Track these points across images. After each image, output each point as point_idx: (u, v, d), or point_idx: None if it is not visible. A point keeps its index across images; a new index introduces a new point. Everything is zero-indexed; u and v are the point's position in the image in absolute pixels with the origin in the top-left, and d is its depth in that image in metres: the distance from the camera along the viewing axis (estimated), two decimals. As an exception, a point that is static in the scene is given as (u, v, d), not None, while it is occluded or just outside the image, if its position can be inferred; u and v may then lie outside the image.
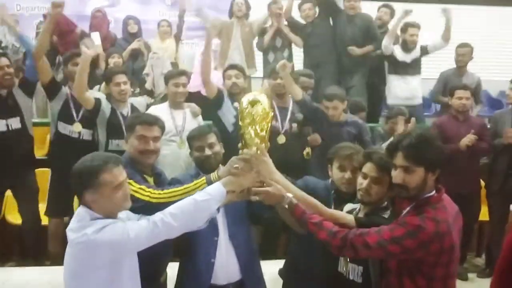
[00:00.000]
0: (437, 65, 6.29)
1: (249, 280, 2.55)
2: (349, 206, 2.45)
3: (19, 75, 4.37)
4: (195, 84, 5.07)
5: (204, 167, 2.60)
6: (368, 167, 2.25)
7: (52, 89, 4.07)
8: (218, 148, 2.67)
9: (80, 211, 2.01)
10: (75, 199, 3.97)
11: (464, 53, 5.44)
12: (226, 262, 2.50)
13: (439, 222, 2.00)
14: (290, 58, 5.72)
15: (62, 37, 5.51)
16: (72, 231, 1.95)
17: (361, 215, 2.32)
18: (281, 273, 2.87)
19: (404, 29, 5.55)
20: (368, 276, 2.25)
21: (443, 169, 2.12)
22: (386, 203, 2.31)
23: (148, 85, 5.21)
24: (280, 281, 2.90)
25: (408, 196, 2.10)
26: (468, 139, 4.21)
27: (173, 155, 3.90)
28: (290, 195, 2.19)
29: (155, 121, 2.61)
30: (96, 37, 5.27)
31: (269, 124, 2.27)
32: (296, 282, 2.67)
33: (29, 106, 4.21)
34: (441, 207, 2.07)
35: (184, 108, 4.10)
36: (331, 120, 4.04)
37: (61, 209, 4.10)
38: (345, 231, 2.07)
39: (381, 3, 6.18)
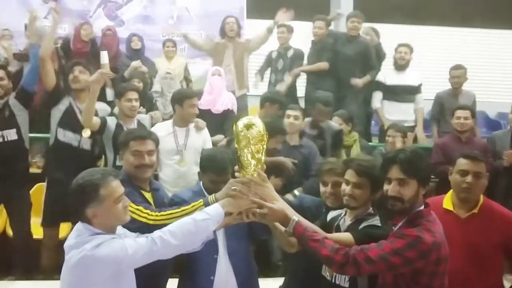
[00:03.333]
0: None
1: None
2: (332, 214, 2.53)
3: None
4: (206, 102, 5.14)
5: (210, 192, 2.53)
6: (348, 174, 2.37)
7: (55, 95, 4.07)
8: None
9: (78, 227, 2.03)
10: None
11: (459, 75, 5.51)
12: (225, 279, 2.52)
13: (435, 232, 2.10)
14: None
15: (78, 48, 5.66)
16: (70, 247, 1.98)
17: (347, 221, 2.39)
18: None
19: (395, 49, 5.66)
20: (355, 281, 2.30)
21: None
22: (371, 209, 2.39)
23: (160, 105, 5.28)
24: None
25: (402, 209, 2.17)
26: None
27: (174, 174, 3.96)
28: (296, 218, 2.19)
29: (148, 135, 2.63)
30: (104, 56, 5.37)
31: (265, 146, 2.32)
32: None
33: (26, 118, 4.16)
34: (433, 220, 2.18)
35: (188, 125, 4.15)
36: (288, 143, 4.20)
37: (57, 217, 4.09)
38: (346, 249, 2.11)
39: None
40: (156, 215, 2.32)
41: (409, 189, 2.14)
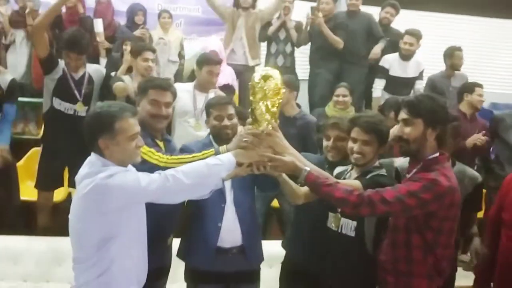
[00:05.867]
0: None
1: (249, 245, 2.65)
2: (338, 169, 2.59)
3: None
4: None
5: (220, 136, 2.65)
6: (356, 132, 2.41)
7: (48, 64, 4.01)
8: (236, 120, 2.70)
9: (91, 159, 2.03)
10: (66, 172, 4.12)
11: (462, 57, 5.54)
12: (232, 227, 2.60)
13: (450, 177, 2.15)
14: (292, 52, 5.73)
15: (71, 15, 5.56)
16: (82, 177, 1.97)
17: (353, 175, 2.46)
18: (284, 244, 2.92)
19: (402, 37, 5.49)
20: (361, 231, 2.36)
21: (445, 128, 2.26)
22: (377, 162, 2.46)
23: (154, 74, 5.19)
24: (275, 259, 2.95)
25: (408, 151, 2.24)
26: (478, 139, 4.27)
27: (188, 137, 3.88)
28: (308, 168, 2.22)
29: (168, 87, 2.61)
30: (98, 24, 5.34)
31: (280, 100, 2.30)
32: (299, 251, 2.73)
33: None
34: (449, 167, 2.23)
35: (208, 92, 4.10)
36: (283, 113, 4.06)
37: (51, 183, 4.13)
38: (359, 190, 2.16)
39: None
40: (167, 158, 2.35)
41: (414, 129, 2.18)
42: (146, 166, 2.21)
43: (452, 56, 5.49)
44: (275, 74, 2.27)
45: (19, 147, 4.39)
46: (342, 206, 2.20)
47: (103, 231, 1.97)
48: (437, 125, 2.19)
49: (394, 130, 2.48)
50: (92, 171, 1.96)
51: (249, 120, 2.32)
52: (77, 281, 2.05)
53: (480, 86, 4.65)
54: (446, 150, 2.34)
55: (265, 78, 2.24)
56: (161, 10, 6.10)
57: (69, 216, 2.05)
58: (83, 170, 2.01)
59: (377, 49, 5.53)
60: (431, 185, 2.09)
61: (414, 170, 2.24)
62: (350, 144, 2.43)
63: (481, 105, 4.59)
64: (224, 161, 2.12)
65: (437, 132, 2.20)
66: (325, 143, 2.71)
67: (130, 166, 2.11)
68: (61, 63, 4.04)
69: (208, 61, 4.05)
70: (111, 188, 1.91)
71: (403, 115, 2.22)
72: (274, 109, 2.27)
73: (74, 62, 3.95)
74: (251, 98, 2.29)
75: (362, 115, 2.52)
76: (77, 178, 2.02)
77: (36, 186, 4.17)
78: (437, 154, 2.22)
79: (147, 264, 2.19)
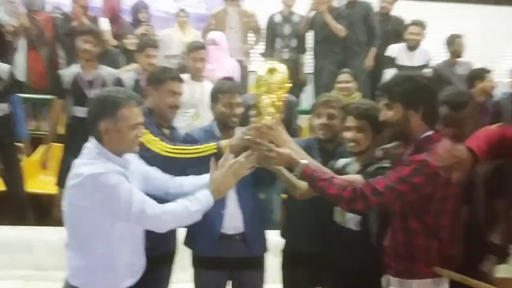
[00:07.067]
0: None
1: (250, 233, 2.70)
2: (341, 162, 2.56)
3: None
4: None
5: (226, 124, 2.65)
6: (349, 120, 2.40)
7: None
8: (242, 109, 2.68)
9: (89, 145, 2.03)
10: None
11: (463, 44, 5.58)
12: (234, 214, 2.66)
13: None
14: (298, 47, 5.78)
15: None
16: (79, 165, 1.98)
17: (356, 167, 2.42)
18: (283, 234, 2.91)
19: (407, 27, 5.60)
20: (366, 224, 2.34)
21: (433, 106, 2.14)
22: (378, 153, 2.39)
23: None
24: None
25: (395, 133, 2.17)
26: None
27: (187, 127, 3.90)
28: (305, 161, 2.19)
29: (181, 78, 2.73)
30: (104, 23, 5.51)
31: (284, 94, 2.32)
32: (303, 241, 2.72)
33: None
34: None
35: (203, 80, 4.16)
36: None
37: None
38: (353, 185, 2.09)
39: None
40: (171, 148, 2.41)
41: (394, 112, 2.11)
42: (149, 154, 2.26)
43: (453, 44, 5.54)
44: (281, 68, 2.29)
45: (31, 142, 4.58)
46: (337, 202, 2.17)
47: (94, 222, 1.97)
48: (419, 105, 2.09)
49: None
50: (90, 161, 1.96)
51: (253, 112, 2.35)
52: (69, 269, 2.05)
53: (489, 71, 4.64)
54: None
55: (271, 71, 2.27)
56: (179, 9, 6.19)
57: (62, 202, 2.04)
58: (81, 159, 2.01)
59: (370, 60, 5.62)
60: (421, 167, 1.98)
61: (408, 152, 2.12)
62: (345, 133, 2.41)
63: (493, 90, 4.55)
64: (204, 204, 2.10)
65: (421, 113, 2.09)
66: (316, 121, 2.65)
67: (132, 154, 2.11)
68: (74, 67, 4.14)
69: (191, 48, 4.14)
70: (105, 187, 1.90)
71: (384, 100, 2.17)
72: (279, 102, 2.29)
73: (92, 46, 4.01)
74: (255, 91, 2.31)
75: (355, 102, 2.49)
76: (74, 166, 2.01)
77: (58, 184, 4.29)
78: (430, 133, 2.10)
79: (143, 256, 2.19)
